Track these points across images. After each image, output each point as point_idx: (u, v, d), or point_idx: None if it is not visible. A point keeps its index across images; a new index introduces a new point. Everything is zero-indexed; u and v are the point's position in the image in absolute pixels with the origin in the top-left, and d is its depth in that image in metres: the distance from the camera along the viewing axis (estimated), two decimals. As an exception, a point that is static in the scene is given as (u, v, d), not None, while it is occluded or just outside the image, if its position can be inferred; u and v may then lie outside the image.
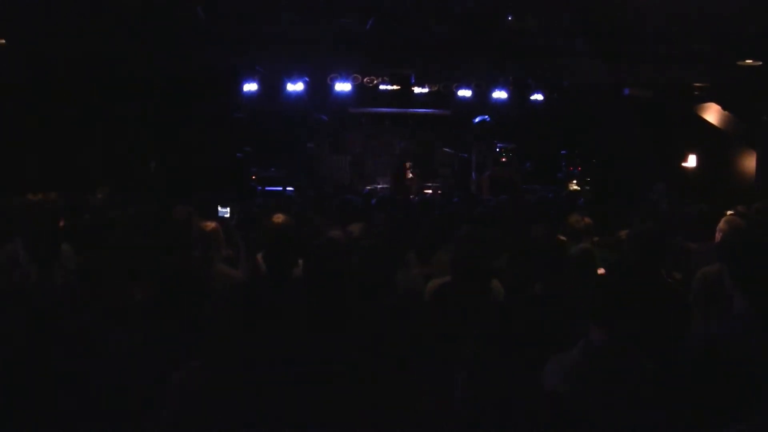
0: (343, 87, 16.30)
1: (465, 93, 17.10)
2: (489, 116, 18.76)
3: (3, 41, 12.21)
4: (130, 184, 12.94)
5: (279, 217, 6.44)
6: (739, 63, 13.92)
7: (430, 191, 18.19)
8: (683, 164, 17.49)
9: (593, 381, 3.39)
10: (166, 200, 9.21)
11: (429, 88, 17.44)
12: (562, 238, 6.51)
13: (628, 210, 9.73)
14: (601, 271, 5.15)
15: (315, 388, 2.66)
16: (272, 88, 16.47)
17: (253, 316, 3.60)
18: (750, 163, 16.26)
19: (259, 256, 5.41)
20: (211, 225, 5.67)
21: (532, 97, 17.51)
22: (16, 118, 13.58)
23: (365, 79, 16.57)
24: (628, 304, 3.56)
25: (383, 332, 2.66)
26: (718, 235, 6.51)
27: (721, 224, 6.52)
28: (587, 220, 6.78)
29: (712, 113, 16.60)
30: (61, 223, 6.54)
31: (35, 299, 3.77)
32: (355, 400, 2.52)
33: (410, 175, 18.20)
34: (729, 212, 7.81)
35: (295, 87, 16.37)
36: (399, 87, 17.44)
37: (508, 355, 3.68)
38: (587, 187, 17.95)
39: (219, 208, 5.54)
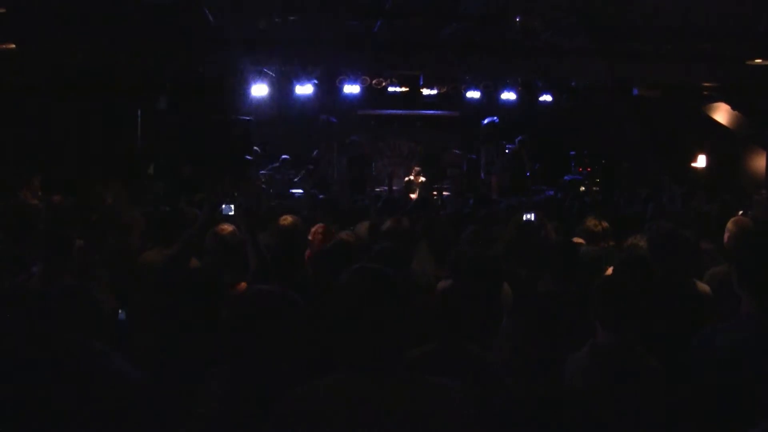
0: (351, 89, 16.33)
1: (473, 94, 17.10)
2: (497, 117, 18.72)
3: (13, 45, 12.27)
4: (137, 186, 12.95)
5: (287, 219, 6.45)
6: (748, 62, 13.90)
7: (436, 193, 18.15)
8: (692, 164, 17.45)
9: (600, 382, 3.39)
10: (174, 202, 9.25)
11: (437, 89, 17.43)
12: (579, 240, 6.54)
13: (638, 211, 9.72)
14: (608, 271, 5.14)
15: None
16: (281, 90, 16.49)
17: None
18: (760, 162, 16.22)
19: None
20: (228, 229, 5.66)
21: (541, 98, 17.49)
22: (23, 121, 13.64)
23: (374, 81, 16.58)
24: (635, 305, 3.56)
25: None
26: (726, 235, 6.50)
27: (729, 224, 6.51)
28: (605, 224, 6.81)
29: (722, 113, 16.57)
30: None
31: (39, 300, 3.78)
32: (357, 400, 2.51)
33: (422, 178, 18.18)
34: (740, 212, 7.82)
35: (304, 89, 16.38)
36: (407, 88, 17.45)
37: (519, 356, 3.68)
38: (595, 188, 17.90)
39: (224, 206, 5.52)
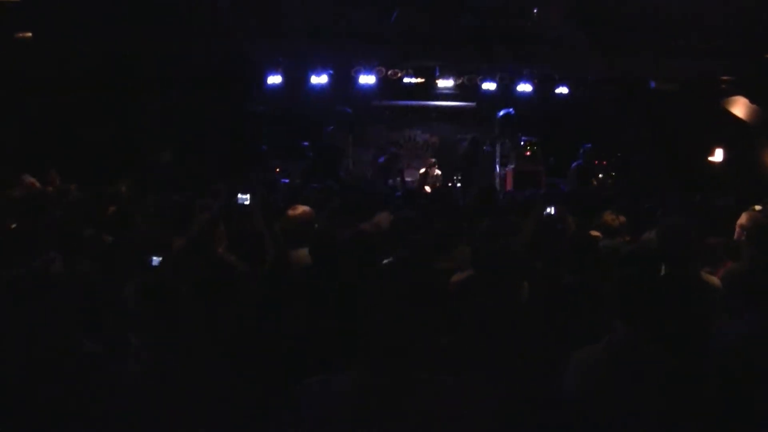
0: (367, 79, 16.28)
1: (489, 86, 17.04)
2: (513, 109, 18.67)
3: (29, 34, 12.29)
4: (151, 176, 12.97)
5: (297, 208, 6.42)
6: (767, 55, 13.79)
7: (450, 184, 18.14)
8: (710, 158, 17.33)
9: (616, 378, 3.37)
10: (189, 192, 9.25)
11: (453, 80, 17.37)
12: (596, 233, 6.52)
13: (656, 206, 9.68)
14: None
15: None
16: (296, 80, 16.48)
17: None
18: (779, 156, 16.10)
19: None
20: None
21: (557, 90, 17.40)
22: (38, 111, 13.66)
23: (389, 72, 16.53)
24: (654, 300, 3.53)
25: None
26: (738, 232, 6.46)
27: (743, 220, 6.47)
28: (622, 218, 6.79)
29: (740, 106, 16.44)
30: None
31: (56, 289, 3.78)
32: (371, 395, 2.50)
33: (437, 170, 18.18)
34: (757, 207, 7.77)
35: (319, 79, 16.37)
36: (423, 80, 17.41)
37: (530, 354, 3.66)
38: (610, 181, 17.80)
39: (239, 195, 5.54)
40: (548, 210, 6.48)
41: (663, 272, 4.81)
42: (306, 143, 17.96)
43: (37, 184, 10.52)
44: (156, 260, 4.69)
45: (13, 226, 6.47)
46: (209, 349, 3.44)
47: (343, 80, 16.63)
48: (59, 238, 5.51)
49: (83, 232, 5.88)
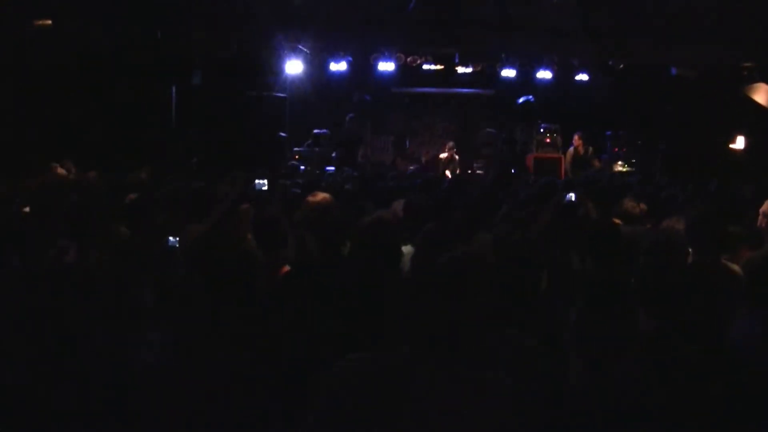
0: (386, 66, 16.28)
1: (509, 73, 16.97)
2: (533, 96, 18.58)
3: (49, 22, 12.32)
4: (170, 163, 12.98)
5: (317, 195, 6.41)
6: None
7: (470, 171, 18.10)
8: (731, 145, 17.21)
9: (641, 368, 3.35)
10: (208, 179, 9.26)
11: (473, 67, 17.31)
12: (617, 221, 6.48)
13: (676, 193, 9.63)
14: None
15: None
16: (315, 67, 16.48)
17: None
18: (800, 144, 15.95)
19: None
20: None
21: (577, 77, 17.32)
22: (58, 99, 13.68)
23: (408, 59, 16.51)
24: (680, 289, 3.50)
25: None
26: (761, 219, 6.40)
27: (765, 207, 6.41)
28: (643, 206, 6.74)
29: (761, 93, 16.31)
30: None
31: (70, 279, 3.79)
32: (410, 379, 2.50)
33: (455, 156, 18.13)
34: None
35: (338, 66, 16.37)
36: (442, 66, 17.37)
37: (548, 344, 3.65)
38: (632, 168, 17.73)
39: (257, 181, 5.54)
40: (568, 196, 6.45)
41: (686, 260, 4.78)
42: (325, 131, 17.93)
43: (64, 172, 10.57)
44: (173, 240, 4.69)
45: (29, 213, 6.51)
46: (226, 339, 3.44)
47: (363, 67, 16.62)
48: (73, 228, 5.52)
49: (98, 221, 5.88)
